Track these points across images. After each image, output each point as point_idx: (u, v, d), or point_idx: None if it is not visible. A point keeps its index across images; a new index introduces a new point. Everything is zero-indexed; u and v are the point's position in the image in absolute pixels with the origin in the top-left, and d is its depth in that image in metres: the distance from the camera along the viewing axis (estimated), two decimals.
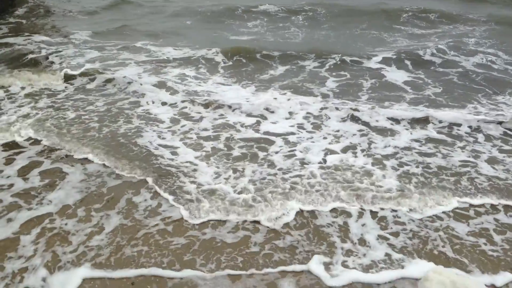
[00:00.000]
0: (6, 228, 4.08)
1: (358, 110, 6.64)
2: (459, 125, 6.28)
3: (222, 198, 4.57)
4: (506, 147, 5.73)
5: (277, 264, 3.66)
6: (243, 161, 5.36)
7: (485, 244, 3.89)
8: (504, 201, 4.50)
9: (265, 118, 6.57)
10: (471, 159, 5.39)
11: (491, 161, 5.37)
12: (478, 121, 6.28)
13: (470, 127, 6.23)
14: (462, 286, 3.12)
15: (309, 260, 3.69)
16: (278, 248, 3.86)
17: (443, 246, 3.87)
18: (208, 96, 7.33)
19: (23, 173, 5.08)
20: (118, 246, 3.85)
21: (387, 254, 3.78)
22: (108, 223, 4.19)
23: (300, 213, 4.34)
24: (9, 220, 4.20)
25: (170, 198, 4.57)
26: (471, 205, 4.46)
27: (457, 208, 4.41)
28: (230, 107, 6.89)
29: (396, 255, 3.77)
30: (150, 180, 4.90)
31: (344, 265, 3.66)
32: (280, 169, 5.16)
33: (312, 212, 4.35)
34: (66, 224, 4.17)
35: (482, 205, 4.46)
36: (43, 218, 4.25)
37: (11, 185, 4.83)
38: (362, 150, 5.63)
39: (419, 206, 4.41)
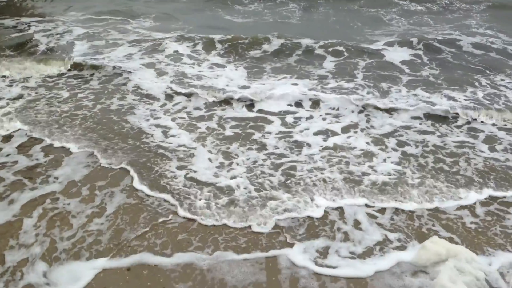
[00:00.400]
0: (7, 211, 4.10)
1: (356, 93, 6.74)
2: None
3: (214, 195, 4.37)
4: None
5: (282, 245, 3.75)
6: (237, 144, 5.36)
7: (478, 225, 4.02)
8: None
9: (262, 100, 6.55)
10: (470, 140, 5.52)
11: (489, 140, 5.50)
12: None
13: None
14: (453, 253, 3.36)
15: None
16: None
17: (433, 225, 3.99)
18: (198, 80, 7.26)
19: (23, 150, 5.12)
20: (118, 230, 3.90)
21: (383, 237, 3.85)
22: (111, 202, 4.26)
23: None
24: (11, 202, 4.23)
25: (150, 191, 4.46)
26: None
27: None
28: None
29: (391, 236, 3.85)
30: (131, 170, 4.77)
31: (338, 252, 3.67)
32: (276, 154, 5.15)
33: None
34: (69, 204, 4.22)
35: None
36: (46, 197, 4.30)
37: (15, 162, 4.88)
38: (362, 130, 5.75)
39: (417, 195, 4.40)
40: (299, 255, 3.62)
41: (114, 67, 7.69)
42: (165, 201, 4.30)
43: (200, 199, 4.31)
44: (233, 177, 4.69)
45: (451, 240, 3.75)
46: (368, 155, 5.15)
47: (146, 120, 5.97)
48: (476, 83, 7.19)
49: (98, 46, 8.91)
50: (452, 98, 6.54)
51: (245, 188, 4.49)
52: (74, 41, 9.23)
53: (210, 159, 5.03)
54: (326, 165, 4.93)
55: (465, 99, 6.52)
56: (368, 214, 4.13)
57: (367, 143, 5.44)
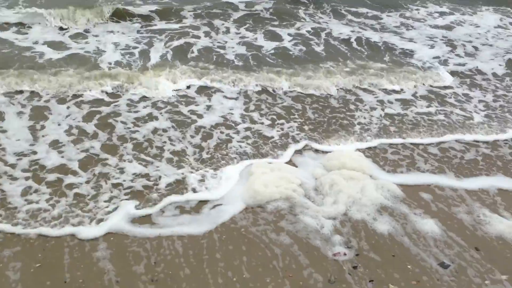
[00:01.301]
0: None
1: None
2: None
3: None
4: None
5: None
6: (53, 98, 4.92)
7: None
8: None
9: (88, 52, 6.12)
10: None
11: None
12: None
13: None
14: (276, 168, 3.84)
15: None
16: None
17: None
18: None
19: None
20: None
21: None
22: None
23: None
24: None
25: None
26: None
27: None
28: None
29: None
30: None
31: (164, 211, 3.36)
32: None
33: None
34: None
35: None
36: None
37: None
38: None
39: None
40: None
41: None
42: None
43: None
44: (51, 146, 4.01)
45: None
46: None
47: None
48: (302, 19, 7.93)
49: None
50: (278, 38, 6.97)
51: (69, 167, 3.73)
52: None
53: (23, 126, 4.31)
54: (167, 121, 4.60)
55: (289, 40, 6.95)
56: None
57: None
